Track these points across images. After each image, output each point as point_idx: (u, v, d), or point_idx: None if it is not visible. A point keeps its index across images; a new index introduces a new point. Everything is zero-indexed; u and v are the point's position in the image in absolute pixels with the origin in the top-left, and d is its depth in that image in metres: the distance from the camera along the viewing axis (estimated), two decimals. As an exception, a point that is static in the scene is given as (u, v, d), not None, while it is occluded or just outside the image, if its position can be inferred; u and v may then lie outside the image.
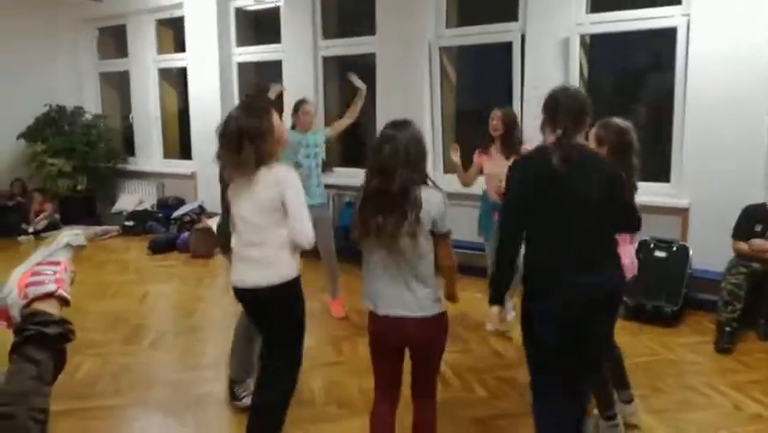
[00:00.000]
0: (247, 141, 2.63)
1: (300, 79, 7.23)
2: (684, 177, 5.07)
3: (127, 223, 8.46)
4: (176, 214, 8.16)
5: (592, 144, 2.97)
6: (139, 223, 8.42)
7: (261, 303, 2.81)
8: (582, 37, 5.50)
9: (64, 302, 1.27)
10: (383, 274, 2.47)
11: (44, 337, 1.17)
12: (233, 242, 2.84)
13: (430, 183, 2.48)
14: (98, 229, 8.15)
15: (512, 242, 2.57)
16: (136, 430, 3.60)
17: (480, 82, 7.14)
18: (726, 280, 4.45)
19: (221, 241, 3.33)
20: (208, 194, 7.87)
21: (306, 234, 2.68)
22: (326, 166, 5.73)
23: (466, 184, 4.74)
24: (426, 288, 2.46)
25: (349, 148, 7.51)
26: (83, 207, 8.95)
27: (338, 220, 6.81)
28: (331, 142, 5.69)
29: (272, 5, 7.64)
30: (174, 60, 8.83)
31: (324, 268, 4.99)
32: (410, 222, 2.34)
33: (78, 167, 8.70)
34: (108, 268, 6.76)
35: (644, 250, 4.84)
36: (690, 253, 4.88)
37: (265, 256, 2.71)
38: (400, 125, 2.47)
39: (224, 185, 3.05)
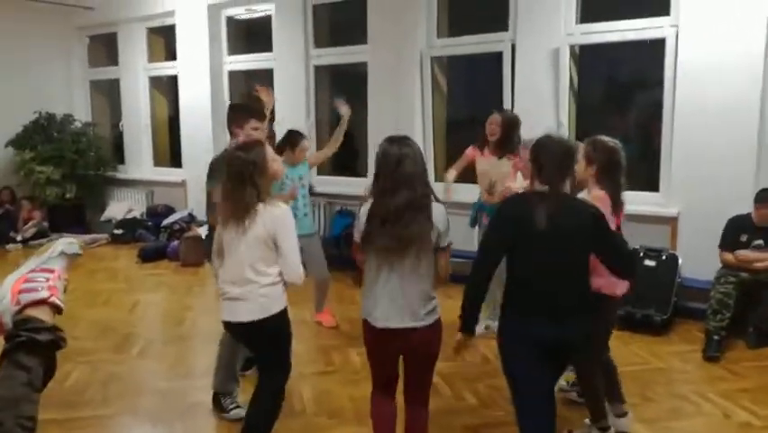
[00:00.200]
0: (248, 180, 2.65)
1: (292, 88, 7.24)
2: (673, 186, 5.11)
3: (116, 231, 8.42)
4: (165, 222, 8.12)
5: (581, 163, 2.98)
6: (128, 231, 8.37)
7: (251, 335, 2.86)
8: (572, 47, 5.54)
9: (57, 310, 1.26)
10: (390, 287, 2.50)
11: (35, 344, 1.17)
12: (221, 276, 2.83)
13: (433, 197, 2.57)
14: (87, 238, 8.13)
15: (480, 282, 2.56)
16: (125, 440, 3.57)
17: (471, 91, 7.18)
18: (715, 290, 4.48)
19: (209, 250, 3.30)
20: (198, 202, 7.83)
21: (297, 273, 2.74)
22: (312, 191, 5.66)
23: (447, 179, 4.77)
24: (432, 298, 2.55)
25: (340, 157, 7.50)
26: (72, 216, 8.90)
27: (330, 229, 6.81)
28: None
29: (264, 14, 7.65)
30: (165, 69, 8.82)
31: (316, 289, 4.94)
32: (430, 232, 2.46)
33: (68, 175, 8.65)
34: (98, 276, 6.72)
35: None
36: (680, 261, 4.91)
37: (252, 296, 2.72)
38: (407, 141, 2.54)
39: (210, 198, 3.07)
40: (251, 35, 8.27)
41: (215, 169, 3.41)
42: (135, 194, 9.00)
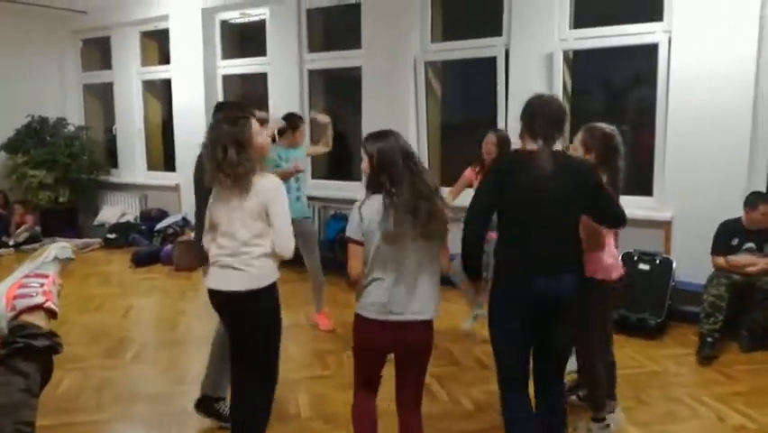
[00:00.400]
0: (231, 147, 2.62)
1: (286, 92, 7.24)
2: (667, 190, 5.13)
3: (110, 235, 8.39)
4: (159, 226, 8.10)
5: (579, 150, 3.01)
6: (121, 235, 8.34)
7: (238, 307, 2.76)
8: (566, 52, 5.57)
9: (52, 314, 1.26)
10: (406, 279, 2.49)
11: (33, 350, 1.16)
12: (213, 250, 2.79)
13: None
14: (79, 242, 8.09)
15: (473, 239, 2.64)
16: (118, 446, 3.55)
17: (466, 96, 7.20)
18: (707, 292, 4.51)
19: (198, 255, 3.24)
20: (192, 206, 7.79)
21: (288, 245, 2.70)
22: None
23: (454, 193, 4.80)
24: (437, 289, 2.57)
25: (335, 161, 7.52)
26: (65, 220, 8.86)
27: (324, 233, 6.80)
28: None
29: (258, 18, 7.65)
30: (158, 72, 8.81)
31: (310, 282, 4.97)
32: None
33: (60, 179, 8.62)
34: (91, 281, 6.69)
35: (628, 262, 4.88)
36: (674, 265, 4.93)
37: (245, 265, 2.68)
38: (393, 133, 2.59)
39: (200, 196, 3.03)
40: (246, 39, 8.27)
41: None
42: (128, 198, 8.98)
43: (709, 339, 4.36)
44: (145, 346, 4.79)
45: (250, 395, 2.85)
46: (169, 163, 8.82)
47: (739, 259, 4.50)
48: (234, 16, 7.91)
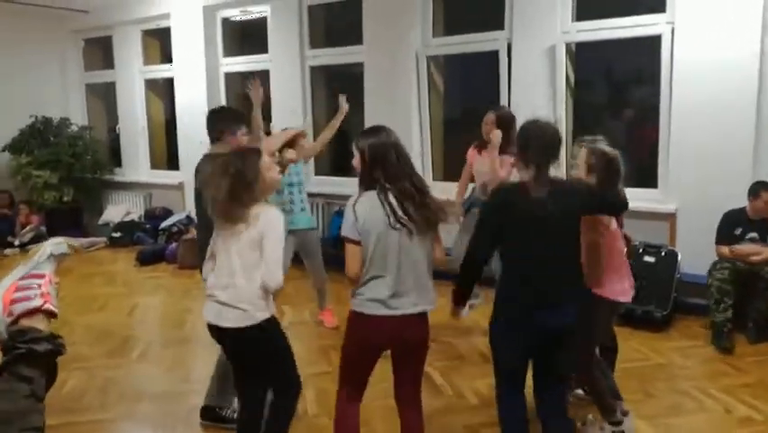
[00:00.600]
0: (242, 189, 2.59)
1: (288, 89, 7.23)
2: (671, 182, 5.11)
3: (114, 234, 8.39)
4: (163, 225, 8.10)
5: (581, 167, 2.97)
6: (126, 234, 8.35)
7: (237, 339, 2.71)
8: (568, 45, 5.53)
9: (51, 316, 1.24)
10: (401, 273, 2.47)
11: (35, 355, 1.15)
12: (210, 280, 2.76)
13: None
14: (85, 241, 8.09)
15: (476, 265, 2.66)
16: (125, 444, 3.55)
17: (468, 90, 7.17)
18: (712, 277, 4.52)
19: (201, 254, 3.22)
20: (196, 204, 7.81)
21: (275, 276, 2.61)
22: None
23: (461, 192, 4.83)
24: (431, 281, 2.57)
25: (337, 157, 7.50)
26: (70, 219, 8.86)
27: (328, 230, 6.80)
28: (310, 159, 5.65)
29: (259, 16, 7.63)
30: (160, 71, 8.80)
31: (312, 281, 4.96)
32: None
33: (65, 178, 8.63)
34: (95, 280, 6.70)
35: (633, 255, 4.85)
36: (679, 257, 4.91)
37: (237, 301, 2.63)
38: (386, 129, 2.59)
39: (200, 212, 3.01)
40: (247, 37, 8.25)
41: (201, 171, 3.34)
42: (133, 197, 8.99)
43: (725, 330, 4.36)
44: (150, 345, 4.79)
45: (271, 408, 2.84)
46: (172, 162, 8.82)
47: (744, 248, 4.49)
48: (236, 14, 7.89)
